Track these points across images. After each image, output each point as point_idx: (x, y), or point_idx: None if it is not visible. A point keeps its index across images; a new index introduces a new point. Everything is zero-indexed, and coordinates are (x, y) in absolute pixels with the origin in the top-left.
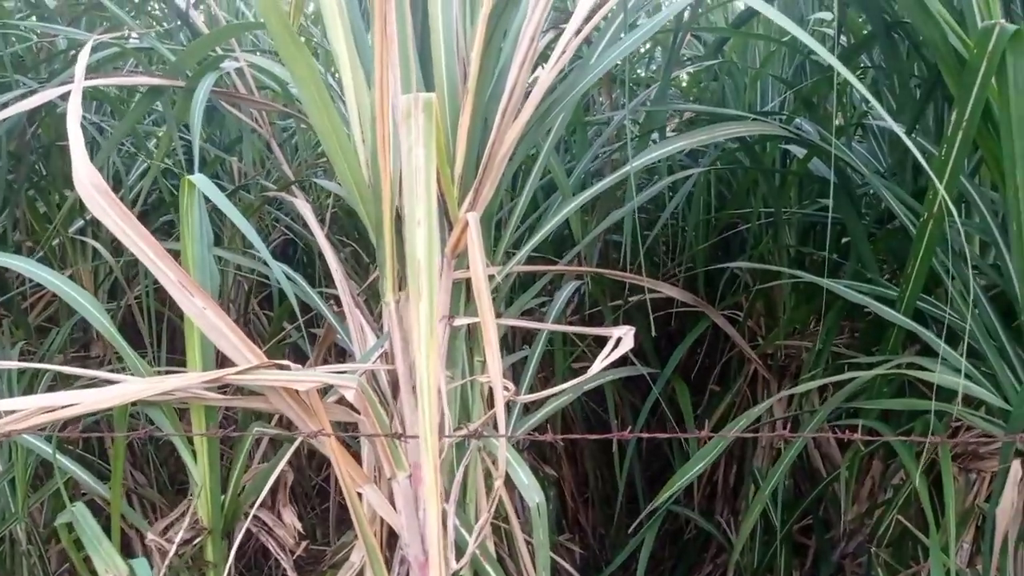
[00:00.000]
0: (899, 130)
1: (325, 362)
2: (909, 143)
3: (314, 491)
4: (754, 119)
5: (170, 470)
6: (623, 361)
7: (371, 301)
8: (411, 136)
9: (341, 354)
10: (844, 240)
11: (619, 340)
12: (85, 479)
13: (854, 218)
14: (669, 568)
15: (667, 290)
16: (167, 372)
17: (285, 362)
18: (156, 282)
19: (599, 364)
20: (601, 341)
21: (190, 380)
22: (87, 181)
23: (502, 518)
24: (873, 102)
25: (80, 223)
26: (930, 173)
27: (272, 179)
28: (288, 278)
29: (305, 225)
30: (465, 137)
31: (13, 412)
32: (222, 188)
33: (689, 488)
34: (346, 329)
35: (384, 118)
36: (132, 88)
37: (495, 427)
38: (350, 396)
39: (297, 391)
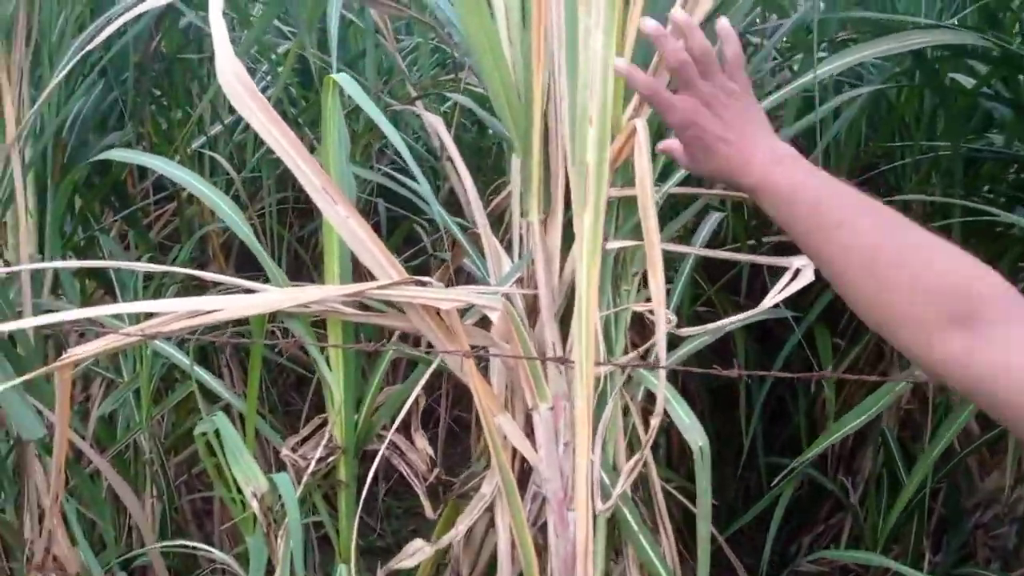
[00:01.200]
0: None
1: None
2: None
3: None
4: (951, 28)
5: (279, 390)
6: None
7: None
8: (590, 18)
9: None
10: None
11: (797, 272)
12: (221, 390)
13: None
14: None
15: None
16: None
17: (427, 279)
18: (278, 202)
19: (773, 297)
20: (730, 287)
21: (331, 293)
22: (232, 74)
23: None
24: None
25: (201, 139)
26: None
27: (392, 96)
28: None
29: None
30: (634, 32)
31: (158, 315)
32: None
33: (800, 443)
34: (478, 252)
35: (541, 17)
36: None
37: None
38: (494, 318)
39: (437, 311)
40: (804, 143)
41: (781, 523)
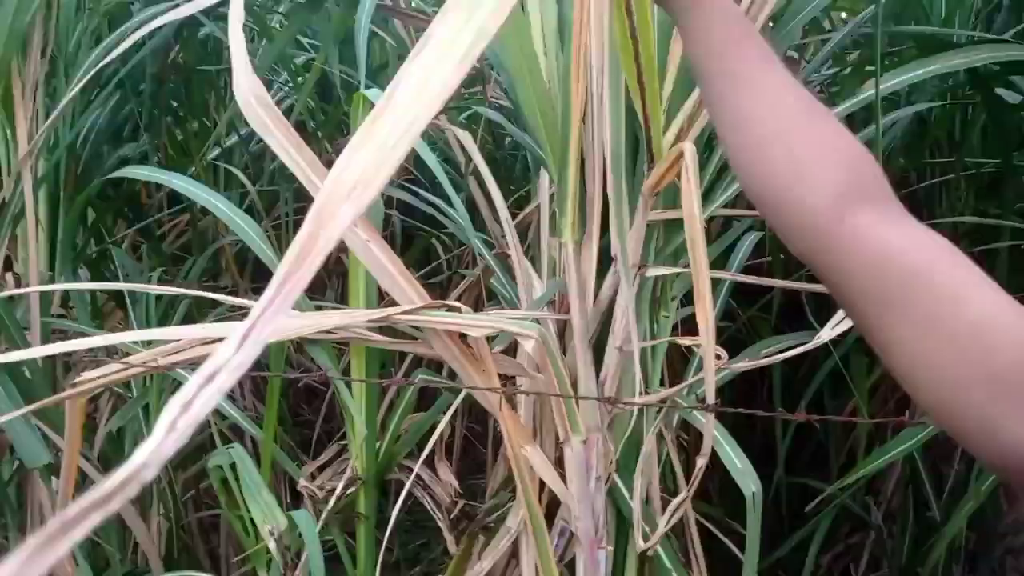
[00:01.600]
0: None
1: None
2: None
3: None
4: (1016, 44)
5: (289, 402)
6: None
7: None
8: None
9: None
10: None
11: None
12: (238, 418)
13: None
14: (794, 546)
15: None
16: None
17: (456, 303)
18: (295, 212)
19: (828, 330)
20: (766, 308)
21: (355, 318)
22: (248, 91)
23: (670, 492)
24: None
25: (216, 151)
26: None
27: None
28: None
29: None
30: (680, 51)
31: (169, 342)
32: None
33: (824, 461)
34: (505, 271)
35: (582, 26)
36: (266, 6)
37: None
38: (529, 347)
39: (463, 338)
40: None
41: (800, 542)
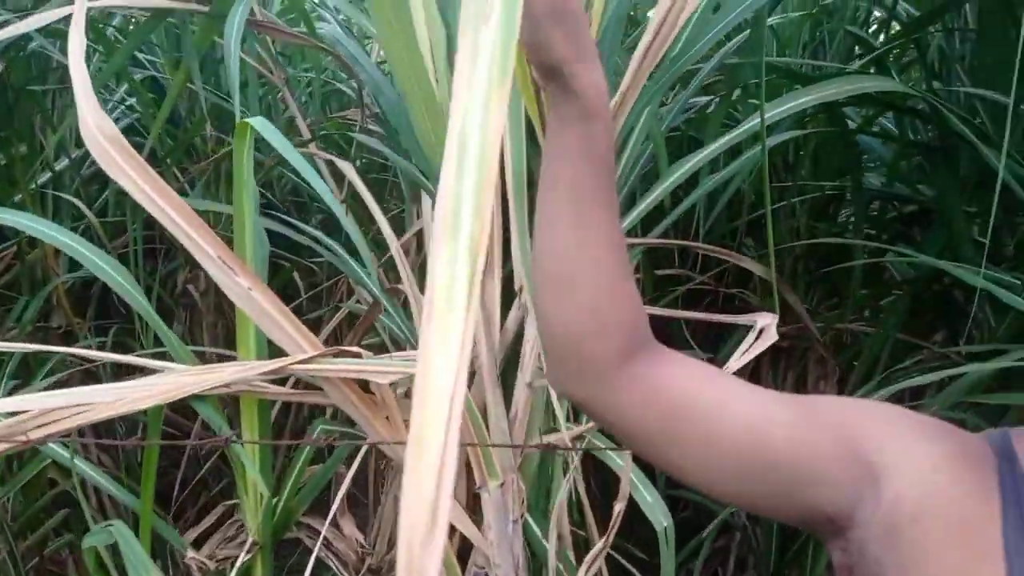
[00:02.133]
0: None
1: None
2: None
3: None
4: (871, 75)
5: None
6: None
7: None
8: None
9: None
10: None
11: (762, 331)
12: (110, 488)
13: (954, 193)
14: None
15: (751, 266)
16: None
17: (355, 348)
18: (144, 239)
19: (739, 357)
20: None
21: (249, 371)
22: (96, 128)
23: (577, 523)
24: None
25: (47, 175)
26: None
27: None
28: (329, 250)
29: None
30: None
31: (26, 412)
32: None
33: None
34: (399, 309)
35: None
36: (103, 21)
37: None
38: None
39: (362, 385)
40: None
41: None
